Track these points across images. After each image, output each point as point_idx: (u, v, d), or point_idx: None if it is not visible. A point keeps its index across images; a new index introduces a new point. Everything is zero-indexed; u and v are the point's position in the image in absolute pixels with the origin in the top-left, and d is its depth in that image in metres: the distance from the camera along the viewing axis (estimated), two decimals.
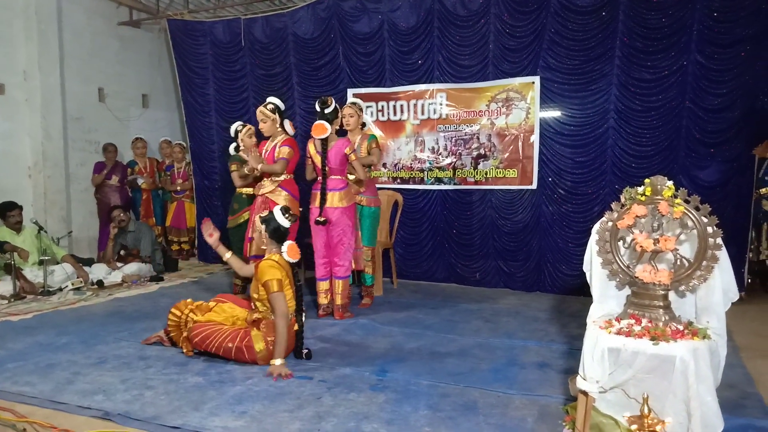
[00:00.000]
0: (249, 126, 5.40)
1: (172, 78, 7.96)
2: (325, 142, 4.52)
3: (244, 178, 5.15)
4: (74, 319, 4.66)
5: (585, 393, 2.34)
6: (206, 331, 3.48)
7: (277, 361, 3.31)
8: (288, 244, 3.55)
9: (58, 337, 4.07)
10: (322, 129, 4.47)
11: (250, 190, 5.19)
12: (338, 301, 4.64)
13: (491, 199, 5.82)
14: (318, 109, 4.57)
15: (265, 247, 3.67)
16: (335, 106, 4.60)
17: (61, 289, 5.59)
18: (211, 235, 3.88)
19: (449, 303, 5.22)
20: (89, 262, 6.33)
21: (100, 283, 5.84)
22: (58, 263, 5.84)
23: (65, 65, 6.89)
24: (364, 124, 5.24)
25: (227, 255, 3.88)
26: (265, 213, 3.70)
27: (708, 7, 4.88)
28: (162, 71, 8.26)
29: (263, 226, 3.61)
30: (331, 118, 4.55)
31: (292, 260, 3.56)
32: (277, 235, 3.60)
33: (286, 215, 3.62)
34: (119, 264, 6.32)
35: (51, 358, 3.60)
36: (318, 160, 4.55)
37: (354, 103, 5.09)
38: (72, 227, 7.02)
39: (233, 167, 5.29)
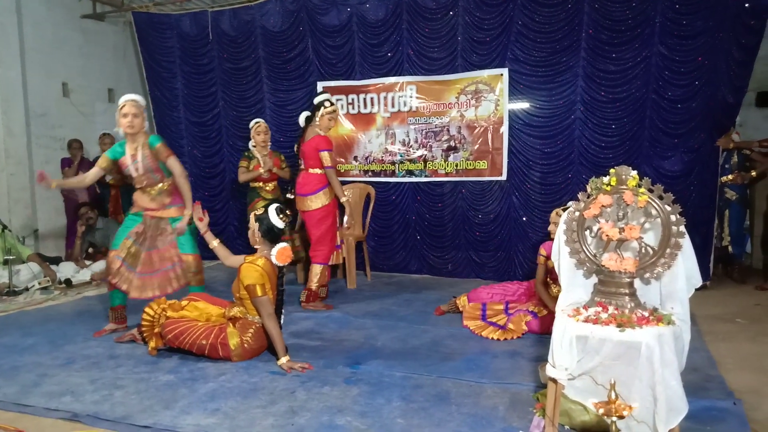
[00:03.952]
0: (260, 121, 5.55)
1: (138, 72, 7.80)
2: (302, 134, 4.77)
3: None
4: (41, 319, 4.56)
5: (554, 380, 2.38)
6: (180, 327, 3.44)
7: (283, 359, 3.31)
8: (279, 248, 3.46)
9: (23, 339, 3.98)
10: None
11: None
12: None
13: (462, 190, 5.86)
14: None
15: (257, 246, 3.58)
16: (322, 100, 4.75)
17: (27, 289, 5.47)
18: (201, 219, 3.81)
19: (422, 294, 5.25)
20: (56, 261, 6.20)
21: (68, 282, 5.73)
22: (23, 262, 5.71)
23: (26, 59, 6.70)
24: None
25: (214, 243, 3.79)
26: (260, 211, 3.59)
27: (670, 0, 4.98)
28: (128, 65, 8.08)
29: (256, 225, 3.53)
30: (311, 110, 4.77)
31: (279, 264, 3.49)
32: (270, 235, 3.52)
33: (281, 215, 3.53)
34: (88, 262, 6.21)
35: (16, 360, 3.52)
36: None
37: (134, 101, 4.02)
38: (38, 225, 6.86)
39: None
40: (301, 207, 4.79)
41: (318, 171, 4.73)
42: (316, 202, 4.71)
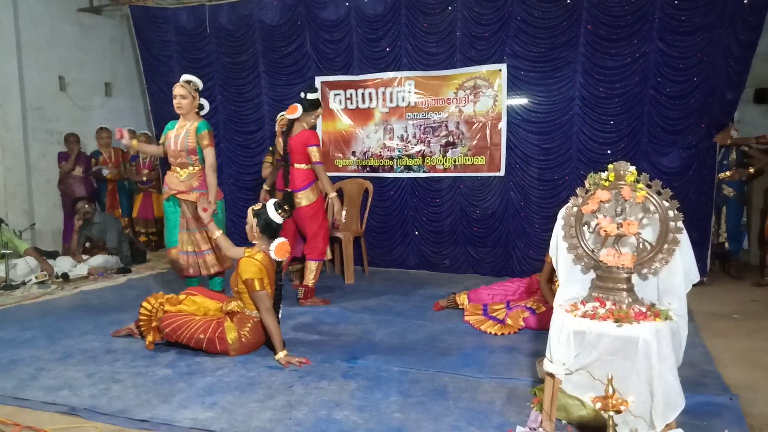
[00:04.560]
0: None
1: (135, 66, 7.78)
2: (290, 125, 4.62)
3: None
4: (38, 313, 4.55)
5: (552, 375, 2.39)
6: (177, 322, 3.43)
7: (281, 354, 3.30)
8: (277, 242, 3.45)
9: (21, 333, 3.97)
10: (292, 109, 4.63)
11: None
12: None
13: (460, 186, 5.86)
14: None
15: (256, 241, 3.57)
16: (317, 99, 4.69)
17: (24, 283, 5.46)
18: (205, 210, 3.80)
19: (420, 289, 5.25)
20: (54, 255, 6.19)
21: (65, 276, 5.72)
22: (20, 257, 5.69)
23: (23, 53, 6.66)
24: (201, 107, 4.51)
25: (217, 233, 3.78)
26: (258, 206, 3.58)
27: None
28: (125, 59, 8.05)
29: (254, 220, 3.52)
30: (305, 106, 4.61)
31: (278, 259, 3.48)
32: (269, 230, 3.51)
33: (279, 210, 3.52)
34: (85, 256, 6.20)
35: (13, 354, 3.51)
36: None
37: (189, 82, 4.35)
38: (35, 220, 6.84)
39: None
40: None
41: (304, 167, 4.65)
42: (305, 199, 4.65)
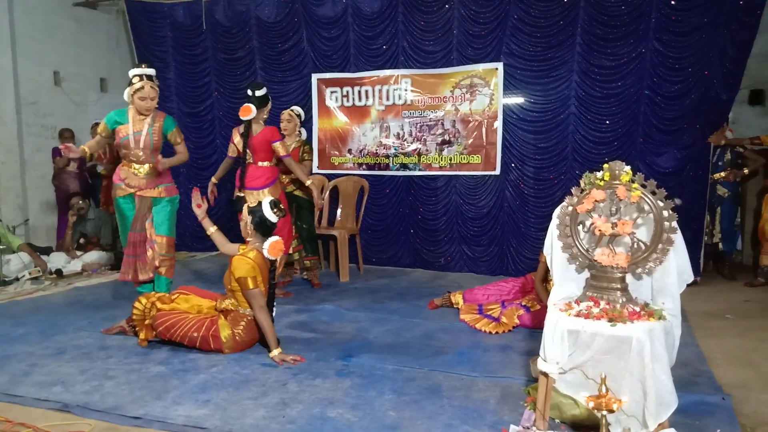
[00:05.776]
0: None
1: (131, 61, 7.73)
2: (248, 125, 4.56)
3: None
4: (31, 309, 4.53)
5: (545, 374, 2.39)
6: (171, 320, 3.42)
7: (275, 351, 3.30)
8: (271, 241, 3.45)
9: (14, 328, 3.95)
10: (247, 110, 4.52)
11: None
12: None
13: (456, 184, 5.86)
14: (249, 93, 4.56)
15: (250, 239, 3.57)
16: (267, 94, 4.65)
17: (17, 279, 5.44)
18: (199, 206, 3.75)
19: (414, 288, 5.25)
20: (47, 251, 6.17)
21: (58, 273, 5.70)
22: (14, 252, 5.67)
23: (17, 47, 6.63)
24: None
25: (212, 229, 3.75)
26: (255, 204, 3.58)
27: None
28: (121, 54, 8.01)
29: (249, 217, 3.52)
30: (257, 103, 4.53)
31: (271, 258, 3.47)
32: (263, 228, 3.51)
33: (274, 209, 3.51)
34: (79, 252, 6.18)
35: (6, 350, 3.50)
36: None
37: (152, 77, 3.92)
38: (29, 215, 6.82)
39: None
40: (253, 203, 4.58)
41: (267, 164, 4.62)
42: (269, 196, 4.47)
